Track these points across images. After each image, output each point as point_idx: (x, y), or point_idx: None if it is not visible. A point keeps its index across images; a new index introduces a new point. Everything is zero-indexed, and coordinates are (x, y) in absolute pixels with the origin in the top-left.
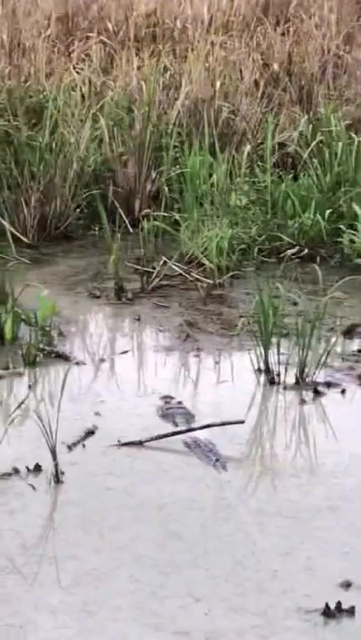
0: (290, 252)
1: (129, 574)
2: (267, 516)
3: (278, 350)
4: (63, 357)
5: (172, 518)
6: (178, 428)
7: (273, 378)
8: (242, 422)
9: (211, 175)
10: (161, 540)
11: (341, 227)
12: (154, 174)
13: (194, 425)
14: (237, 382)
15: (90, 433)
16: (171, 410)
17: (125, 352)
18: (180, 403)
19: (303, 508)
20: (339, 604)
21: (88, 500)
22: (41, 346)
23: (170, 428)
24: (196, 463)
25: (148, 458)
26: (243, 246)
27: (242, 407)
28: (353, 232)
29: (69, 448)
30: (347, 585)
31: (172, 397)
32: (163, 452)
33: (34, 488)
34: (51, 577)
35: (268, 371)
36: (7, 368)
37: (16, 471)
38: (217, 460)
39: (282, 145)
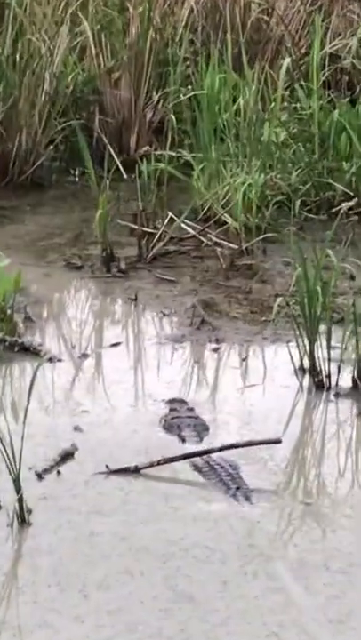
0: (345, 205)
1: None
2: (310, 569)
3: (328, 343)
4: (31, 351)
5: (181, 573)
6: (187, 447)
7: (321, 380)
8: (278, 442)
9: (235, 99)
10: (165, 603)
11: None
12: (156, 98)
13: (210, 442)
14: (271, 386)
15: (67, 456)
16: (177, 419)
17: (117, 344)
18: (190, 409)
19: (359, 560)
20: None
21: (65, 547)
22: (0, 335)
23: (176, 448)
24: (215, 498)
25: (148, 490)
26: (280, 198)
27: (278, 421)
28: None
29: (39, 476)
30: None
31: (181, 401)
32: (167, 482)
33: None
34: None
35: (313, 371)
36: None
37: None
38: (237, 488)
39: (334, 57)
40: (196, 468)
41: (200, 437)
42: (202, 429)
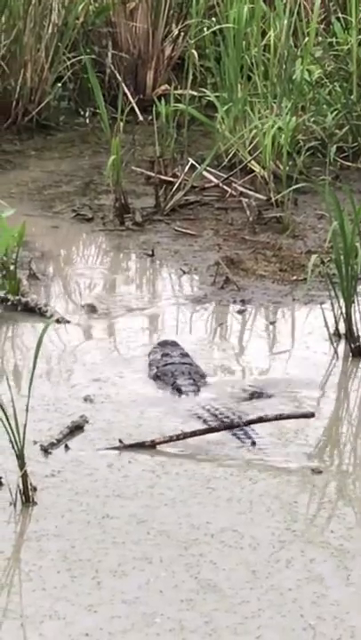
0: None
1: None
2: (351, 557)
3: None
4: (36, 312)
5: (205, 560)
6: (183, 398)
7: (358, 347)
8: (311, 415)
9: (264, 33)
10: (188, 592)
11: None
12: (176, 31)
13: (233, 411)
14: (303, 353)
15: (76, 429)
16: (169, 366)
17: (130, 305)
18: (184, 355)
19: None
20: None
21: (75, 530)
22: (2, 293)
23: (195, 423)
24: (245, 477)
25: (168, 467)
26: (313, 144)
27: (310, 392)
28: None
29: (45, 451)
30: None
31: (174, 345)
32: (189, 458)
33: None
34: None
35: (350, 336)
36: None
37: None
38: (253, 443)
39: None
40: (200, 418)
41: (196, 384)
42: (199, 379)
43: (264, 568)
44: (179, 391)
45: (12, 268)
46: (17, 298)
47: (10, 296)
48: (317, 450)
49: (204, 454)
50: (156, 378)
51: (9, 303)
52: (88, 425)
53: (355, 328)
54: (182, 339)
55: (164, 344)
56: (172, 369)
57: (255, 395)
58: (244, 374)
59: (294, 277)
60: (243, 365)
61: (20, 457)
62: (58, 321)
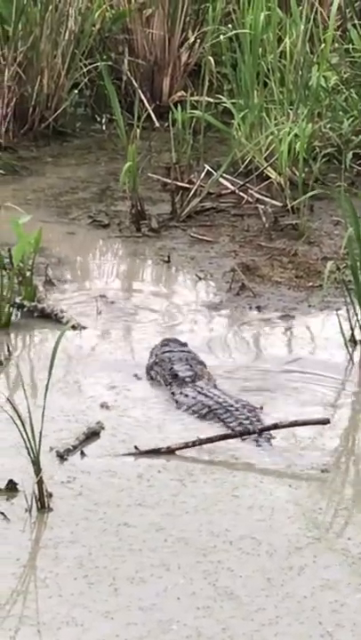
0: None
1: None
2: None
3: None
4: (52, 318)
5: (222, 567)
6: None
7: None
8: (326, 422)
9: (281, 40)
10: (205, 600)
11: None
12: (192, 37)
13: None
14: (319, 359)
15: (92, 435)
16: (167, 354)
17: (146, 311)
18: (183, 345)
19: None
20: None
21: (91, 536)
22: (18, 300)
23: (211, 429)
24: (264, 485)
25: (186, 474)
26: (329, 150)
27: (325, 399)
28: None
29: (61, 458)
30: None
31: (176, 340)
32: (209, 464)
33: (6, 517)
34: None
35: None
36: None
37: None
38: (260, 433)
39: None
40: (206, 408)
41: (193, 370)
42: (196, 366)
43: (278, 575)
44: (175, 377)
45: (28, 274)
46: (33, 304)
47: (26, 302)
48: (334, 456)
49: (234, 460)
50: (153, 365)
51: (25, 309)
52: (104, 431)
53: None
54: (196, 343)
55: (166, 340)
56: (170, 356)
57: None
58: (255, 381)
59: (310, 284)
60: (258, 371)
61: (36, 463)
62: (74, 327)
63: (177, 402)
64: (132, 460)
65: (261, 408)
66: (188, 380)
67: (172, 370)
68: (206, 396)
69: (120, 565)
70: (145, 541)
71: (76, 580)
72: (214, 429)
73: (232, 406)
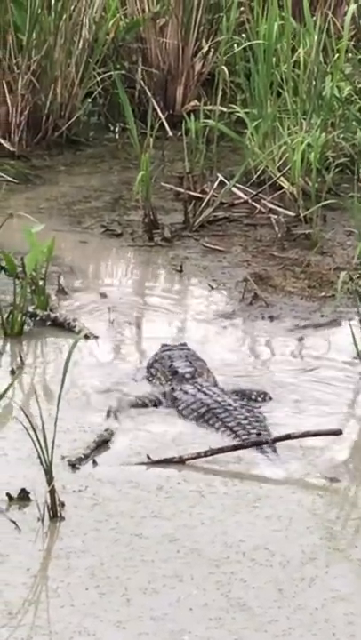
0: None
1: None
2: None
3: None
4: (65, 327)
5: (235, 578)
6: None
7: None
8: (338, 433)
9: (294, 50)
10: (217, 610)
11: None
12: (206, 47)
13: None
14: (331, 370)
15: (103, 443)
16: (167, 352)
17: (159, 320)
18: (183, 344)
19: None
20: None
21: (103, 546)
22: (31, 309)
23: (220, 440)
24: (281, 496)
25: (199, 484)
26: (342, 160)
27: (338, 409)
28: None
29: (73, 466)
30: None
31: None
32: (221, 475)
33: (18, 527)
34: None
35: None
36: None
37: None
38: (265, 441)
39: None
40: (214, 415)
41: (191, 367)
42: (196, 364)
43: (290, 587)
44: (175, 373)
45: (40, 283)
46: (46, 313)
47: (39, 311)
48: (349, 466)
49: (258, 471)
50: (153, 363)
51: (38, 318)
52: (116, 440)
53: None
54: (209, 353)
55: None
56: (170, 354)
57: (261, 395)
58: (267, 392)
59: (323, 294)
60: (269, 382)
61: (49, 472)
62: (86, 336)
63: (176, 399)
64: (145, 469)
65: (264, 397)
66: (187, 375)
67: (171, 367)
68: (205, 394)
69: (132, 576)
70: (157, 552)
71: (87, 590)
72: (216, 436)
73: (231, 406)
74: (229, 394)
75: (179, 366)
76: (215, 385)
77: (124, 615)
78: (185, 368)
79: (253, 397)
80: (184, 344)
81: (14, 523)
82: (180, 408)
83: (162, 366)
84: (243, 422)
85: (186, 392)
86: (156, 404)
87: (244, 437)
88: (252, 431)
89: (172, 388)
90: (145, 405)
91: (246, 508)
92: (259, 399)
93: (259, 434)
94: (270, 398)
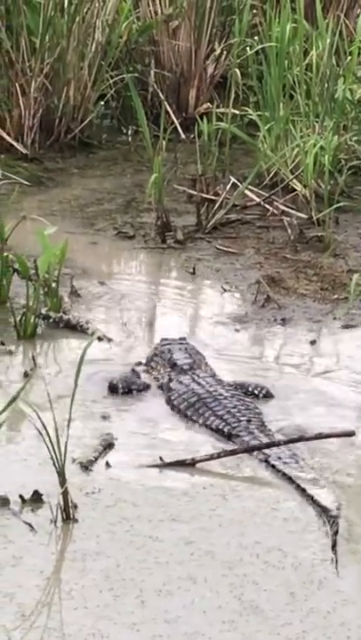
0: None
1: None
2: None
3: None
4: (78, 329)
5: (248, 581)
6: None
7: None
8: (352, 434)
9: (307, 52)
10: (230, 613)
11: None
12: (219, 50)
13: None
14: (345, 374)
15: (108, 446)
16: (167, 345)
17: (171, 322)
18: (182, 338)
19: None
20: None
21: (116, 548)
22: (44, 311)
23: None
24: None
25: (212, 486)
26: (355, 163)
27: (352, 413)
28: None
29: (85, 468)
30: None
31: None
32: (234, 479)
33: (32, 528)
34: None
35: None
36: None
37: (4, 503)
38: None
39: None
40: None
41: (193, 360)
42: (196, 357)
43: (300, 590)
44: (174, 365)
45: (53, 285)
46: (59, 315)
47: (52, 313)
48: None
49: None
50: (153, 357)
51: (51, 320)
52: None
53: None
54: (222, 357)
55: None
56: (170, 347)
57: (259, 388)
58: (281, 395)
59: (335, 296)
60: (282, 385)
61: (61, 474)
62: (99, 338)
63: (170, 389)
64: (157, 470)
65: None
66: (186, 367)
67: (171, 359)
68: (199, 384)
69: (147, 578)
70: (172, 554)
71: (101, 592)
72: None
73: (222, 395)
74: (225, 385)
75: (178, 358)
76: (213, 376)
77: (138, 617)
78: (184, 360)
79: (251, 390)
80: (183, 338)
81: (29, 525)
82: (172, 398)
83: (162, 359)
84: (232, 410)
85: (181, 382)
86: (142, 389)
87: (234, 425)
88: (241, 419)
89: (170, 379)
90: (130, 391)
91: (265, 510)
92: (256, 392)
93: (249, 420)
94: (270, 394)
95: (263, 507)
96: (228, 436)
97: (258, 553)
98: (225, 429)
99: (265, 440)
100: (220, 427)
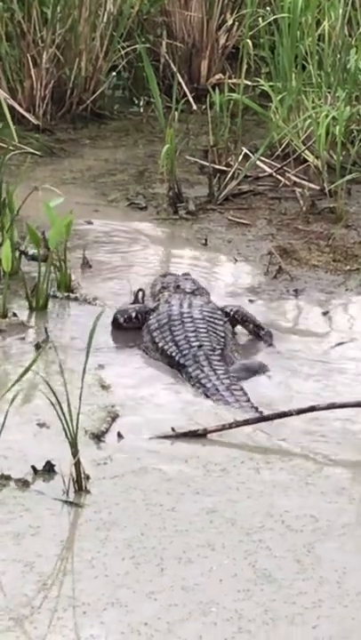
0: None
1: (195, 632)
2: None
3: None
4: (88, 301)
5: (263, 547)
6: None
7: None
8: None
9: (319, 23)
10: (245, 582)
11: None
12: (231, 20)
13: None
14: (358, 344)
15: (115, 417)
16: (173, 277)
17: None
18: (186, 274)
19: None
20: None
21: (131, 518)
22: (52, 291)
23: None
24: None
25: (226, 456)
26: None
27: None
28: None
29: (97, 439)
30: None
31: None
32: (248, 450)
33: (46, 498)
34: (81, 636)
35: None
36: (4, 316)
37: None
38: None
39: None
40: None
41: (197, 287)
42: (200, 292)
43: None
44: (177, 287)
45: (63, 257)
46: (66, 294)
47: (58, 293)
48: None
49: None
50: (161, 288)
51: (59, 299)
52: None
53: None
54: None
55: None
56: (175, 278)
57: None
58: (295, 368)
59: (347, 267)
60: (296, 356)
61: (74, 445)
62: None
63: (155, 310)
64: (170, 442)
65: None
66: (188, 290)
67: (177, 285)
68: (181, 306)
69: (168, 546)
70: (191, 523)
71: (123, 560)
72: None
73: (191, 317)
74: (213, 312)
75: (184, 284)
76: (208, 303)
77: (156, 586)
78: (188, 284)
79: (255, 369)
80: (187, 273)
81: (43, 494)
82: (149, 322)
83: (167, 289)
84: (189, 335)
85: (168, 302)
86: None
87: (183, 350)
88: (193, 344)
89: (166, 301)
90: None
91: (300, 484)
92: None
93: (200, 346)
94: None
95: (296, 479)
96: (178, 365)
97: (278, 521)
98: (176, 357)
99: (209, 370)
100: (173, 354)
